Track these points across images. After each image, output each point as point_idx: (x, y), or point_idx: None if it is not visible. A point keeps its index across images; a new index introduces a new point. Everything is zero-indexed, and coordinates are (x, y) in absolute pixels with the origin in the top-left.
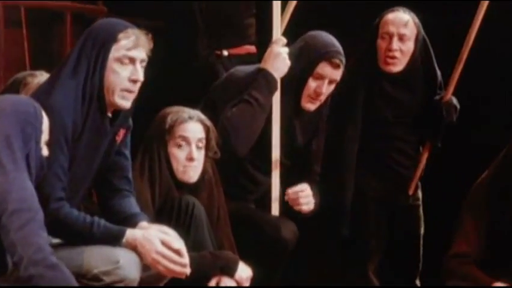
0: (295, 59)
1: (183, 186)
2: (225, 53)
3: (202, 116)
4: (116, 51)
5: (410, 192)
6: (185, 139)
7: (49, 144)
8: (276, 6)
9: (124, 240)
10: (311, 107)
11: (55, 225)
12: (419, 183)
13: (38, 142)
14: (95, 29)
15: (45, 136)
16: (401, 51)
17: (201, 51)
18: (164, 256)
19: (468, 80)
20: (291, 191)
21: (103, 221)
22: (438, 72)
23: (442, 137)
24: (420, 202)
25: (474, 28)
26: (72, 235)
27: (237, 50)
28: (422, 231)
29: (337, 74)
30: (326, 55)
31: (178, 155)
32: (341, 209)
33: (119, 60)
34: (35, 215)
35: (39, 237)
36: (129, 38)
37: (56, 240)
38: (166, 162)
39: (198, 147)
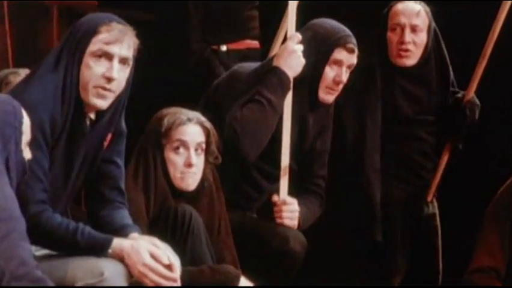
0: (307, 50)
1: (181, 195)
2: (223, 48)
3: (202, 118)
4: (93, 45)
5: (429, 198)
6: (184, 143)
7: (34, 144)
8: (292, 3)
9: (110, 249)
10: (330, 98)
11: (36, 231)
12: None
13: (18, 144)
14: (81, 21)
15: (26, 137)
16: (414, 43)
17: (193, 45)
18: (151, 269)
19: (491, 78)
20: (277, 200)
21: (88, 228)
22: (450, 67)
23: (464, 138)
24: (436, 210)
25: (498, 21)
26: (54, 242)
27: (236, 44)
28: (439, 241)
29: (353, 59)
30: (341, 40)
31: (175, 160)
32: (370, 213)
33: (94, 54)
34: (16, 224)
35: (22, 249)
36: (110, 32)
37: (39, 253)
38: (162, 168)
39: (197, 152)
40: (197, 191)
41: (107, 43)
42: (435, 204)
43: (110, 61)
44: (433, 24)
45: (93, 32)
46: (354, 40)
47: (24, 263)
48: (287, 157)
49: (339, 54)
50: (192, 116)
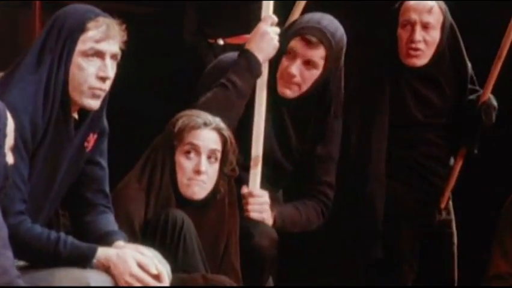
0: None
1: (186, 203)
2: (220, 42)
3: (222, 125)
4: (82, 44)
5: (442, 205)
6: (195, 147)
7: (2, 146)
8: None
9: (95, 260)
10: (286, 92)
11: (15, 243)
12: (450, 195)
13: (1, 147)
14: (62, 16)
15: (9, 140)
16: (425, 41)
17: (187, 38)
18: (139, 279)
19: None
20: (244, 191)
21: (70, 238)
22: (469, 65)
23: (479, 142)
24: (452, 216)
25: None
26: (35, 255)
27: (235, 39)
28: (455, 249)
29: (313, 55)
30: (301, 30)
31: (184, 164)
32: (371, 228)
33: (86, 54)
34: None
35: (4, 257)
36: (99, 28)
37: (21, 263)
38: (170, 172)
39: (210, 160)
40: (205, 202)
41: (98, 41)
42: (451, 210)
43: (102, 59)
44: (449, 21)
45: (80, 29)
46: (319, 34)
47: (6, 272)
48: (259, 147)
49: (295, 45)
50: (211, 121)
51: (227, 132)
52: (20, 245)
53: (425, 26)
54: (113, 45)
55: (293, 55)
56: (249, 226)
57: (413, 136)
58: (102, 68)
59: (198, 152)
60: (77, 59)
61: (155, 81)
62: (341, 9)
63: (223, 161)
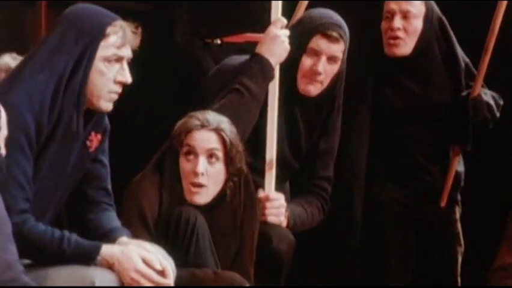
0: (290, 39)
1: (195, 206)
2: (218, 41)
3: (223, 126)
4: (104, 49)
5: (442, 204)
6: (192, 149)
7: (7, 144)
8: None
9: (99, 257)
10: (311, 89)
11: (18, 241)
12: (459, 197)
13: None
14: (78, 18)
15: (3, 132)
16: (405, 30)
17: (178, 39)
18: (144, 275)
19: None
20: (261, 195)
21: (74, 236)
22: (465, 60)
23: (471, 140)
24: (457, 217)
25: (499, 13)
26: (39, 253)
27: (232, 38)
28: (460, 249)
29: (336, 50)
30: (320, 27)
31: (185, 167)
32: (348, 221)
33: (108, 60)
34: (2, 227)
35: (8, 253)
36: (117, 34)
37: (27, 261)
38: (177, 175)
39: (210, 161)
40: (213, 205)
41: (119, 47)
42: (456, 209)
43: (120, 63)
44: (435, 14)
45: (101, 35)
46: (340, 29)
47: (10, 267)
48: (273, 150)
49: (318, 42)
50: (211, 122)
51: (227, 133)
52: (24, 244)
53: (405, 15)
54: (129, 50)
55: (316, 53)
56: (267, 230)
57: (397, 130)
58: (121, 72)
59: (196, 154)
60: (98, 64)
61: (152, 81)
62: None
63: (228, 162)
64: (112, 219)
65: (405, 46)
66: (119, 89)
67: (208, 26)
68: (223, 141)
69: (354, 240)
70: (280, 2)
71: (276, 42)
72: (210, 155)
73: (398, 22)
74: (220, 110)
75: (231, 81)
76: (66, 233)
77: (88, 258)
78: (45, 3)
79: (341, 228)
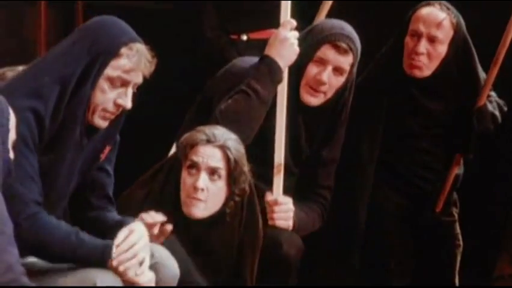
0: (299, 45)
1: (191, 220)
2: (244, 37)
3: (230, 144)
4: (112, 69)
5: (438, 209)
6: (195, 164)
7: (15, 147)
8: None
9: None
10: (311, 99)
11: (31, 232)
12: (456, 198)
13: (4, 142)
14: (97, 29)
15: (12, 135)
16: (428, 55)
17: (207, 34)
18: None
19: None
20: (270, 199)
21: (86, 233)
22: (484, 76)
23: (475, 148)
24: (455, 218)
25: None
26: (51, 246)
27: (258, 34)
28: (458, 250)
29: (343, 61)
30: (330, 37)
31: (186, 180)
32: (352, 234)
33: (112, 81)
34: (3, 227)
35: (9, 254)
36: (130, 57)
37: (31, 259)
38: (175, 187)
39: (212, 178)
40: (211, 221)
41: (127, 71)
42: (454, 212)
43: (125, 87)
44: (461, 37)
45: (113, 53)
46: (349, 41)
47: (10, 269)
48: (281, 154)
49: (326, 52)
50: (217, 138)
51: (233, 152)
52: (37, 236)
53: (432, 40)
54: (139, 77)
55: (323, 62)
56: (276, 235)
57: (406, 145)
58: (122, 96)
59: (198, 169)
60: (102, 82)
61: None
62: (356, 16)
63: (231, 181)
64: (116, 215)
65: (427, 69)
66: (116, 111)
67: (233, 22)
68: (227, 159)
69: (354, 254)
70: (289, 3)
71: (285, 45)
72: (212, 172)
73: (423, 47)
74: (226, 111)
75: (238, 83)
76: (78, 228)
77: (101, 254)
78: (45, 3)
79: (344, 240)
